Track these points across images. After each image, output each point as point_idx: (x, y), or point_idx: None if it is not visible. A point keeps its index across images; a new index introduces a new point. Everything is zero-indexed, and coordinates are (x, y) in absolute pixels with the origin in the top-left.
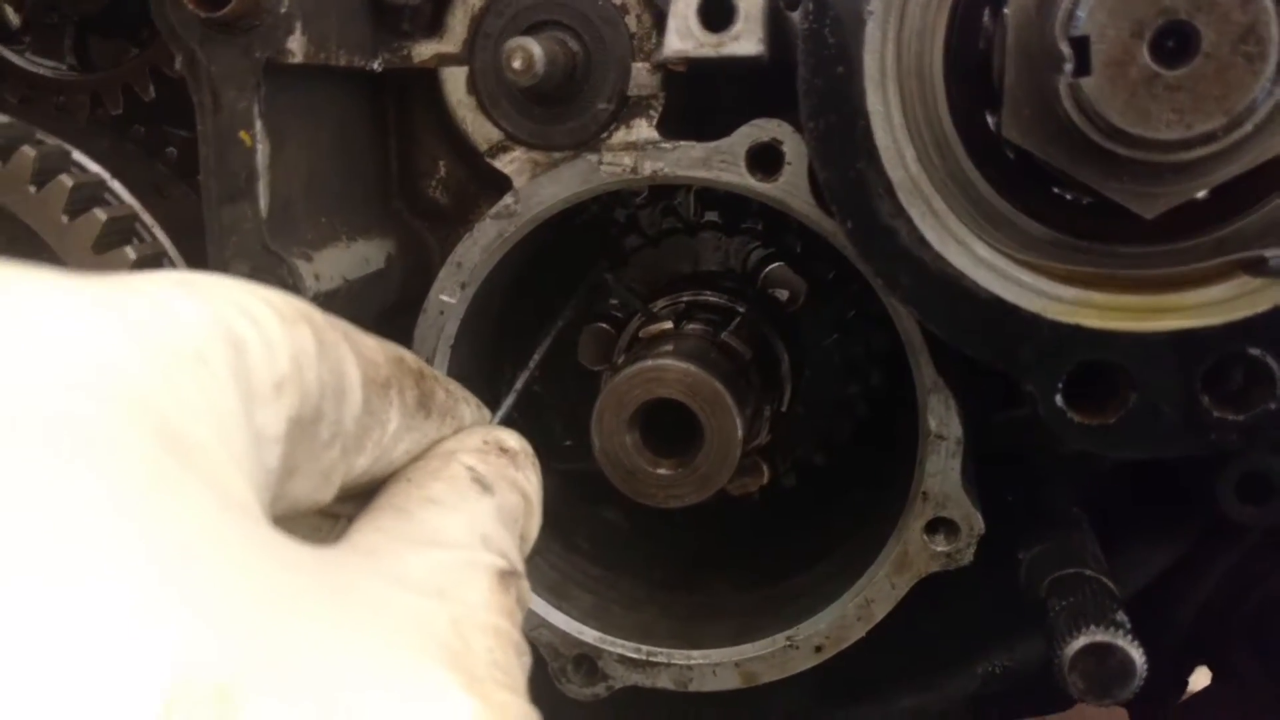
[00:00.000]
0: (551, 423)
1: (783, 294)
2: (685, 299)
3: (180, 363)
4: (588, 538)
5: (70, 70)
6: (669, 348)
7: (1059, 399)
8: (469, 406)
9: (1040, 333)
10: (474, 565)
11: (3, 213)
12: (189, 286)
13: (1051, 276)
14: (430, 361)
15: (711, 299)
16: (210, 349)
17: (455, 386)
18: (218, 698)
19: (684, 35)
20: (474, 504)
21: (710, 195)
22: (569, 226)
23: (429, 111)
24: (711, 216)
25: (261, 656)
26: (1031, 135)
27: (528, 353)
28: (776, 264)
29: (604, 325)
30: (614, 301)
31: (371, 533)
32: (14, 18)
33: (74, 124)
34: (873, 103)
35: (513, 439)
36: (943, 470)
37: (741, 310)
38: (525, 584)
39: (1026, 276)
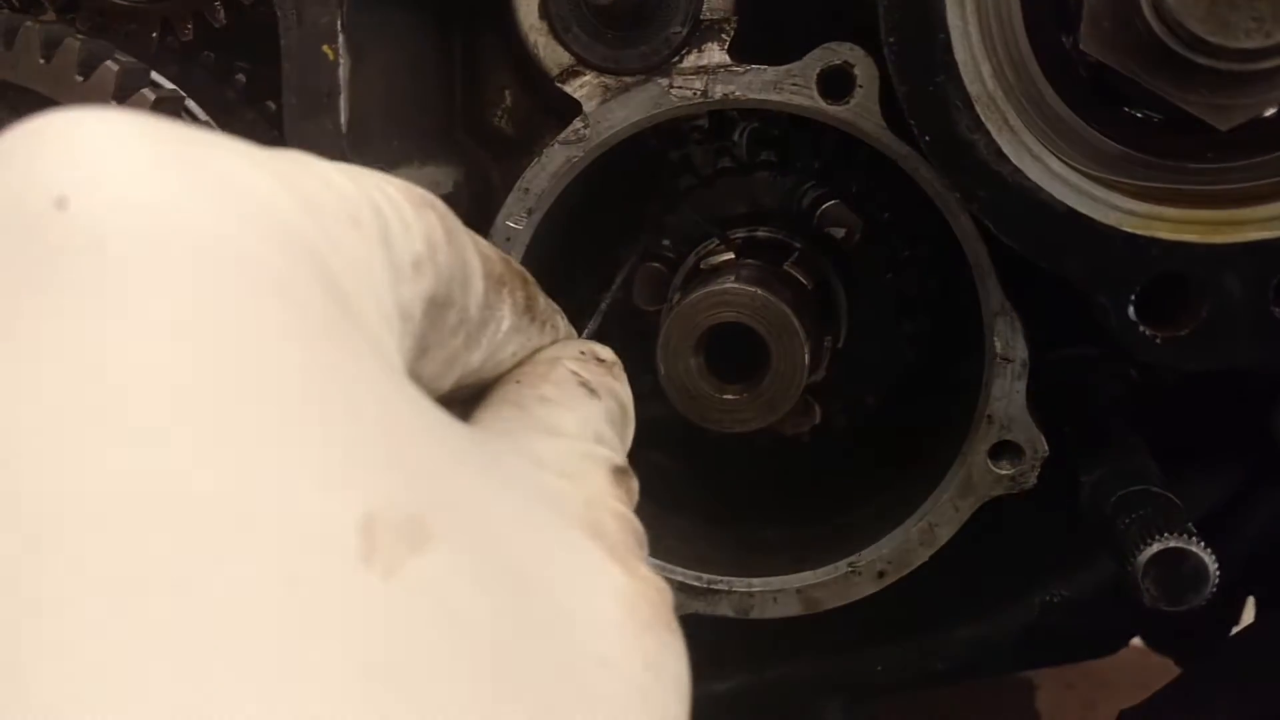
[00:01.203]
0: None
1: (838, 232)
2: (741, 235)
3: (340, 225)
4: (641, 478)
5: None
6: (731, 275)
7: (1132, 311)
8: (564, 320)
9: (1115, 245)
10: (593, 457)
11: None
12: (332, 165)
13: (1124, 192)
14: None
15: (768, 234)
16: (362, 216)
17: (549, 299)
18: (410, 525)
19: None
20: (584, 405)
21: (766, 134)
22: (622, 165)
23: (496, 39)
24: (767, 155)
25: (442, 499)
26: (1110, 48)
27: (592, 294)
28: (832, 201)
29: (658, 265)
30: (666, 242)
31: (497, 421)
32: None
33: (145, 50)
34: (952, 19)
35: (606, 351)
36: (1008, 393)
37: (798, 246)
38: (635, 482)
39: (1100, 191)
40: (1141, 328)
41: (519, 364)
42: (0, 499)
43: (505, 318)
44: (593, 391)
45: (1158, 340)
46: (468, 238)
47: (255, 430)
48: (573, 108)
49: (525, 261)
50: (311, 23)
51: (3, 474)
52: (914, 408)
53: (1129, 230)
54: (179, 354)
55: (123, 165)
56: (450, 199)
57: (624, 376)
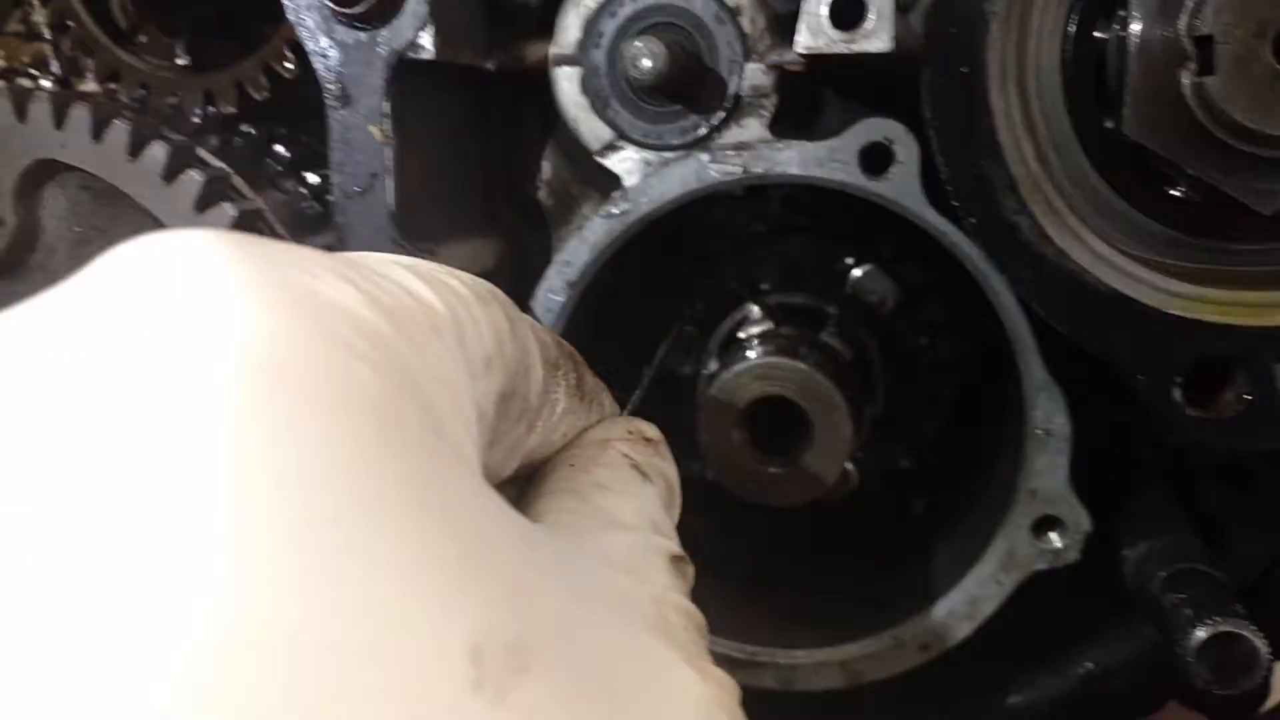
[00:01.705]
0: None
1: (873, 297)
2: (775, 300)
3: (423, 334)
4: (687, 545)
5: (184, 69)
6: (770, 346)
7: (1177, 393)
8: (608, 396)
9: (1160, 327)
10: (653, 548)
11: (132, 206)
12: (404, 266)
13: (1169, 274)
14: None
15: (803, 301)
16: (442, 323)
17: (594, 376)
18: (511, 650)
19: (815, 32)
20: (639, 490)
21: (799, 198)
22: (656, 229)
23: (535, 111)
24: (800, 220)
25: (536, 621)
26: (1153, 133)
27: (623, 356)
28: (867, 266)
29: (690, 328)
30: (699, 304)
31: (561, 514)
32: (122, 19)
33: (188, 122)
34: (996, 101)
35: (651, 429)
36: (1050, 468)
37: (834, 313)
38: (691, 568)
39: (1145, 273)
40: (1186, 410)
41: (570, 443)
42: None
43: (560, 401)
44: (645, 475)
45: (1202, 422)
46: (526, 325)
47: (365, 564)
48: (612, 180)
49: (563, 331)
50: (358, 102)
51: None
52: (951, 472)
53: (1174, 313)
54: (285, 494)
55: (217, 299)
56: (492, 274)
57: (669, 454)
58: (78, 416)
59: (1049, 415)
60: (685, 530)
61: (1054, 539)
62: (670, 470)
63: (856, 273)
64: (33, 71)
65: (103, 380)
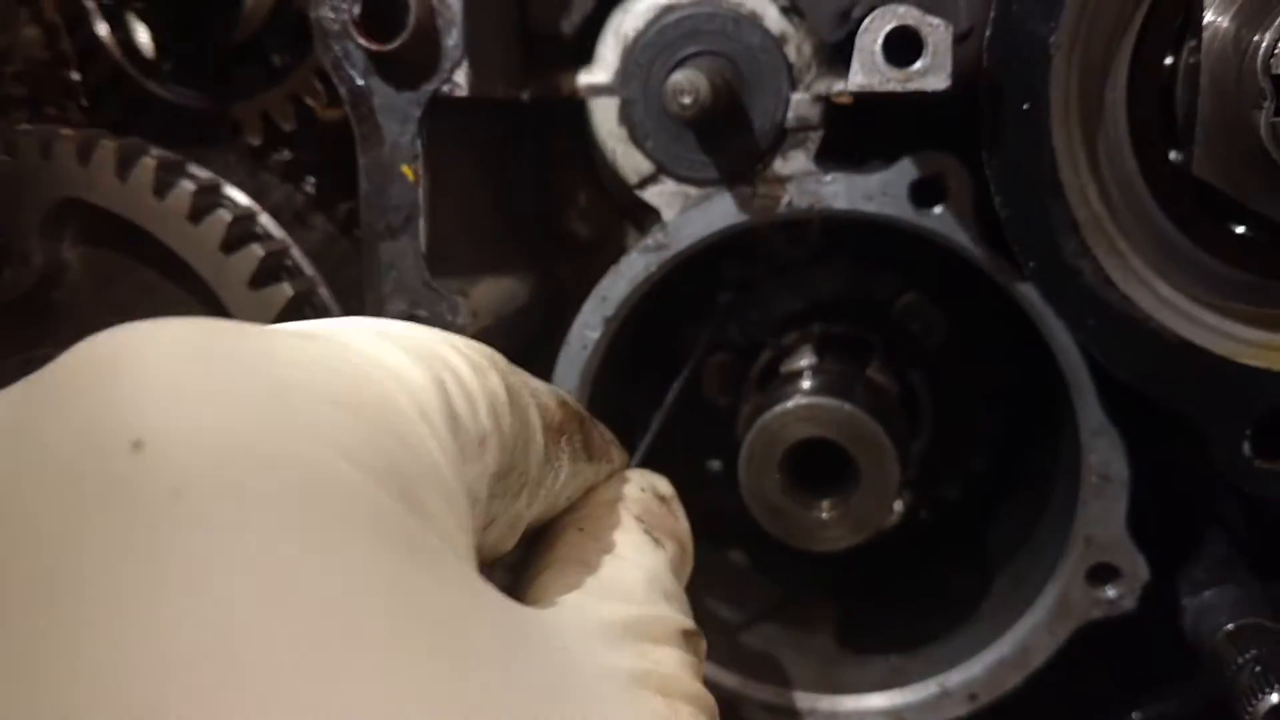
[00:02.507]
0: (669, 456)
1: (917, 326)
2: (817, 330)
3: (411, 422)
4: (716, 580)
5: (210, 100)
6: (814, 384)
7: (1246, 446)
8: (617, 448)
9: (1229, 377)
10: (663, 623)
11: (158, 244)
12: (394, 341)
13: (1239, 319)
14: (572, 394)
15: (846, 331)
16: (430, 407)
17: (603, 428)
18: None
19: (869, 70)
20: (650, 558)
21: (840, 221)
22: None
23: (571, 141)
24: (841, 244)
25: None
26: (1226, 172)
27: (658, 384)
28: (911, 293)
29: (728, 355)
30: (737, 330)
31: (568, 591)
32: (147, 42)
33: (215, 153)
34: (1058, 138)
35: (664, 484)
36: (1107, 514)
37: (877, 343)
38: (704, 642)
39: (1212, 318)
40: (1256, 462)
41: (578, 503)
42: None
43: (564, 467)
44: (656, 541)
45: (1274, 476)
46: (528, 392)
47: (339, 686)
48: (650, 212)
49: (601, 367)
50: (391, 142)
51: None
52: (999, 505)
53: (1244, 362)
54: (257, 612)
55: (191, 399)
56: (525, 311)
57: (681, 510)
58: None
59: (1106, 460)
60: (728, 570)
61: (1110, 588)
62: (683, 528)
63: (901, 300)
64: (60, 101)
65: (66, 492)
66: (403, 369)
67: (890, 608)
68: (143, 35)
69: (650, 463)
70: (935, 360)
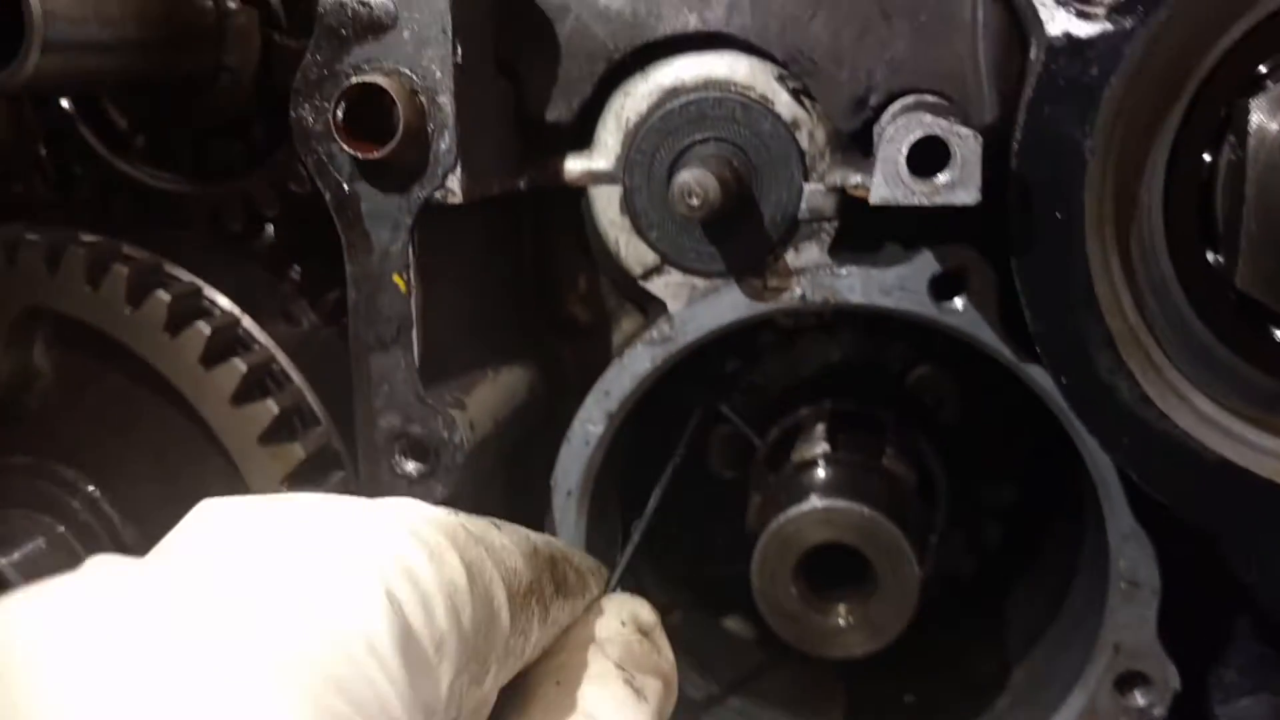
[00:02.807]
0: (672, 527)
1: (930, 398)
2: (828, 408)
3: (356, 668)
4: (718, 656)
5: (187, 182)
6: (828, 478)
7: None
8: (595, 576)
9: (1273, 500)
10: None
11: (133, 355)
12: (341, 556)
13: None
14: (575, 491)
15: (858, 409)
16: (379, 638)
17: (579, 556)
18: None
19: (893, 183)
20: (632, 714)
21: None
22: None
23: (569, 225)
24: (851, 314)
25: None
26: (1272, 286)
27: (660, 449)
28: (924, 367)
29: (735, 427)
30: (744, 402)
31: None
32: (121, 121)
33: (192, 241)
34: (1092, 248)
35: (646, 612)
36: (1137, 621)
37: (890, 421)
38: None
39: (1254, 435)
40: None
41: (555, 646)
42: None
43: (534, 629)
44: (640, 694)
45: None
46: (490, 564)
47: None
48: (654, 300)
49: (603, 458)
50: (381, 250)
51: None
52: (1015, 580)
53: None
54: None
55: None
56: (526, 407)
57: (664, 639)
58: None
59: (1135, 566)
60: (723, 638)
61: (1139, 696)
62: (667, 663)
63: (914, 373)
64: (26, 177)
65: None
66: (348, 600)
67: (902, 686)
68: (114, 113)
69: (653, 533)
70: (949, 433)
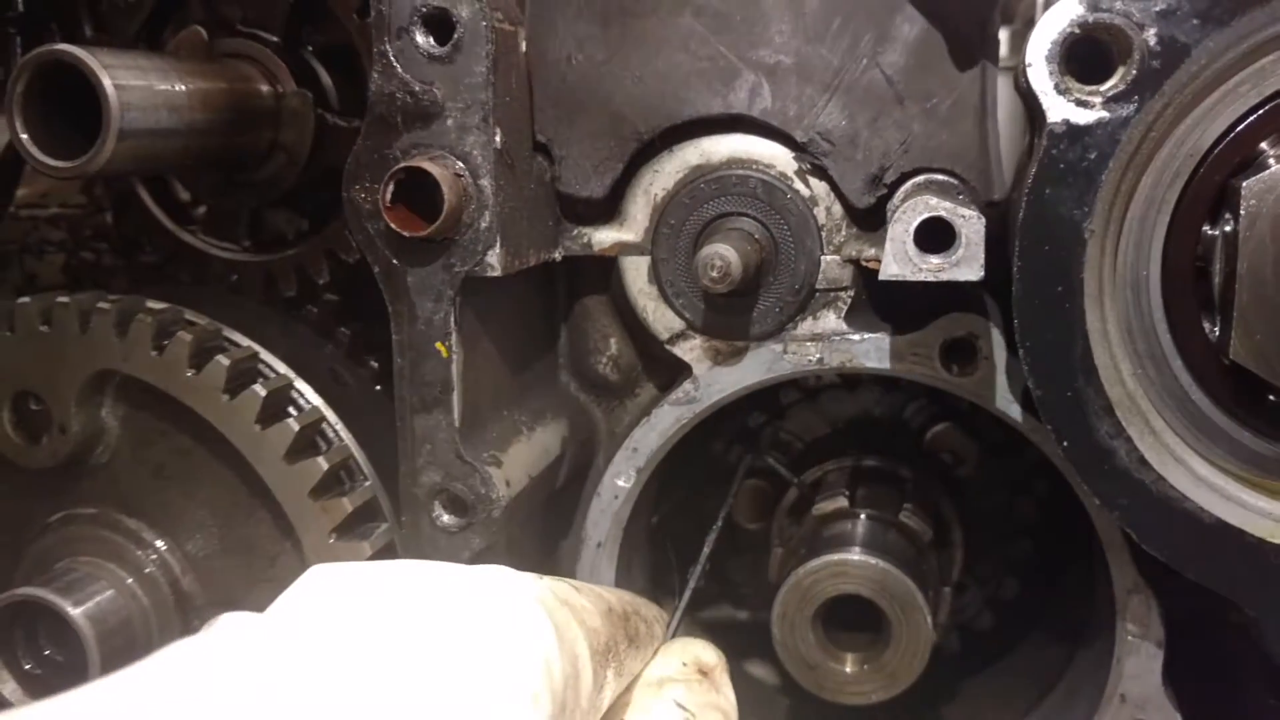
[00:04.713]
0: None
1: (949, 455)
2: (849, 464)
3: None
4: (742, 700)
5: (244, 251)
6: (847, 529)
7: None
8: (660, 623)
9: (1267, 559)
10: None
11: (194, 415)
12: (463, 614)
13: (1276, 496)
14: (605, 543)
15: (878, 465)
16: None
17: (645, 606)
18: None
19: (901, 261)
20: None
21: None
22: None
23: (601, 292)
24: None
25: None
26: (1262, 357)
27: (687, 494)
28: (943, 425)
29: (759, 481)
30: (769, 457)
31: None
32: (184, 194)
33: (247, 306)
34: (1092, 320)
35: (709, 653)
36: (1143, 672)
37: (909, 477)
38: None
39: (1249, 496)
40: None
41: (623, 693)
42: None
43: (610, 684)
44: None
45: None
46: (575, 623)
47: None
48: (680, 362)
49: (629, 511)
50: (425, 319)
51: None
52: (1031, 635)
53: None
54: None
55: None
56: (558, 461)
57: (726, 677)
58: None
59: (1141, 618)
60: (746, 682)
61: None
62: (726, 700)
63: (932, 431)
64: (94, 245)
65: None
66: (467, 660)
67: None
68: (178, 186)
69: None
70: (967, 488)
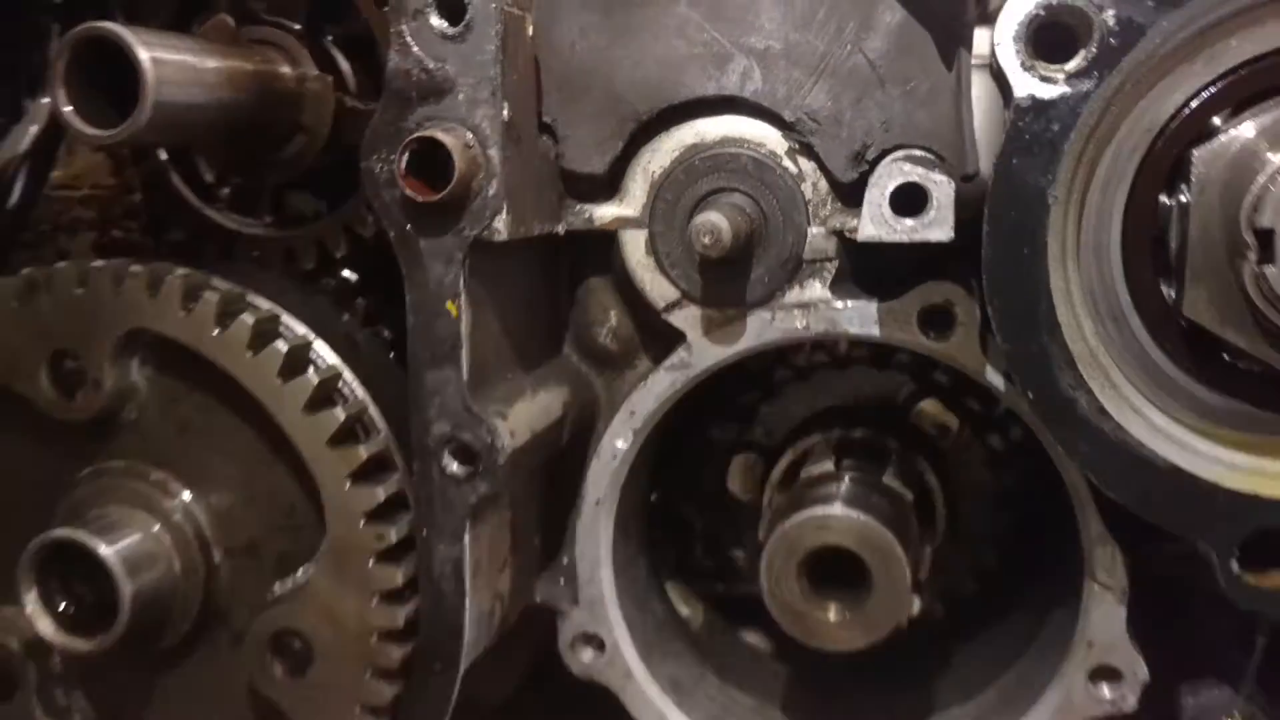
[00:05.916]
0: (693, 545)
1: (933, 428)
2: (837, 435)
3: None
4: (736, 666)
5: (266, 227)
6: (832, 490)
7: (1235, 565)
8: None
9: (1217, 500)
10: None
11: (219, 372)
12: None
13: (1227, 444)
14: (603, 500)
15: (864, 436)
16: None
17: None
18: None
19: (877, 222)
20: None
21: None
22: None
23: (602, 265)
24: (861, 351)
25: None
26: (1212, 315)
27: (681, 474)
28: (927, 399)
29: (753, 455)
30: (761, 430)
31: None
32: (209, 173)
33: (270, 278)
34: (1055, 281)
35: None
36: (1108, 619)
37: (894, 448)
38: None
39: (1202, 445)
40: (1246, 579)
41: None
42: None
43: None
44: None
45: (1263, 591)
46: None
47: None
48: (676, 331)
49: (626, 471)
50: (436, 281)
51: None
52: (1012, 600)
53: (1230, 487)
54: None
55: None
56: (559, 423)
57: None
58: None
59: (1107, 567)
60: (751, 657)
61: (1110, 689)
62: None
63: (917, 406)
64: (124, 224)
65: None
66: None
67: (906, 699)
68: (204, 166)
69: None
70: (949, 461)
